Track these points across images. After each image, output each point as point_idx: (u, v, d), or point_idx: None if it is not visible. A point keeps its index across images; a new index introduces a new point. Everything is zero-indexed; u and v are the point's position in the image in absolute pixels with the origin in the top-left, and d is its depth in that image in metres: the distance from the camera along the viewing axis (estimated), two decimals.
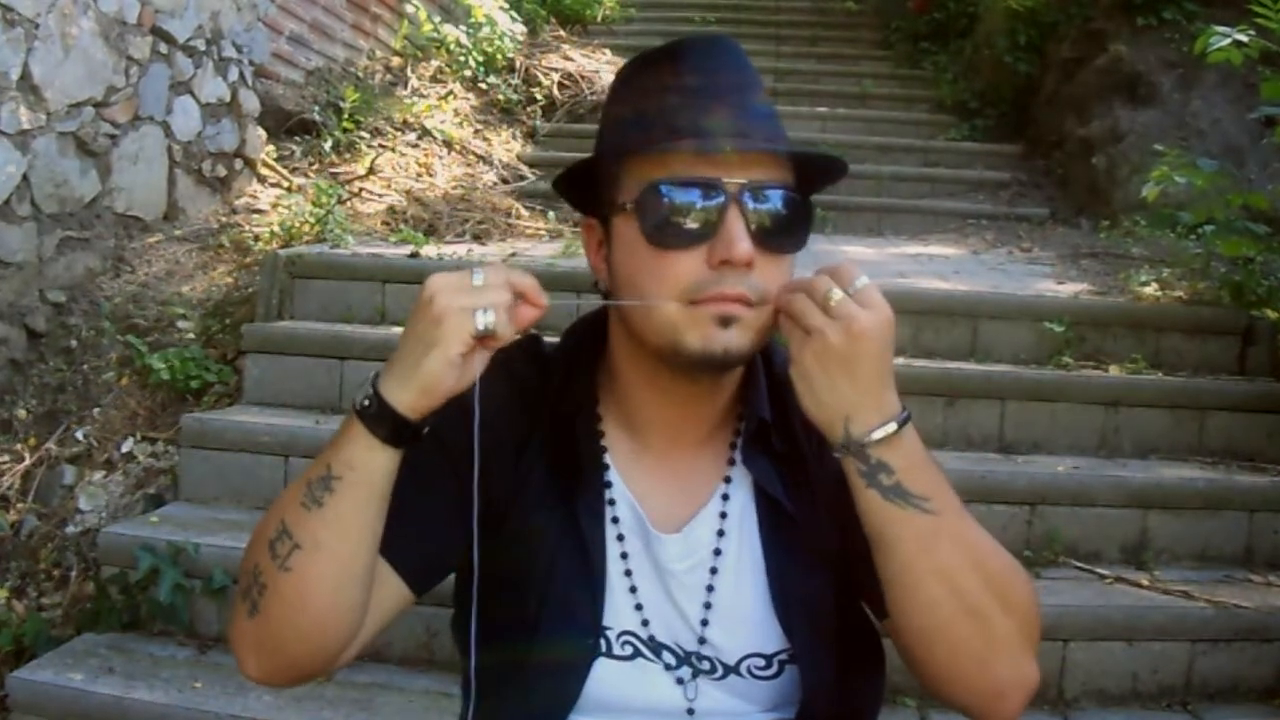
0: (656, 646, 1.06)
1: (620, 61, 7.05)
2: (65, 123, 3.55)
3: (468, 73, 6.41)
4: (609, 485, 1.07)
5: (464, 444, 1.00)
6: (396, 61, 6.18)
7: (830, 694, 1.06)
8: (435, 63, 6.34)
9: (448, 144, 5.68)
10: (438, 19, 6.43)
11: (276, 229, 4.09)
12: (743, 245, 0.94)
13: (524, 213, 5.03)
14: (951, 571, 0.94)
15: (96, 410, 3.33)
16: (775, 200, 0.98)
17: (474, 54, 6.47)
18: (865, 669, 1.12)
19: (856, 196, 5.45)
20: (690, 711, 1.06)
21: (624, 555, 1.06)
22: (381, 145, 5.33)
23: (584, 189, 1.08)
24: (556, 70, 6.77)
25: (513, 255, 4.03)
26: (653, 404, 1.07)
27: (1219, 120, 5.15)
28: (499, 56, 6.62)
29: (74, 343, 3.56)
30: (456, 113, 6.04)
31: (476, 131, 6.04)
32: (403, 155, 5.37)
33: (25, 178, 3.40)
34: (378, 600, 1.00)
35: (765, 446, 1.08)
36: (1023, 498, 2.92)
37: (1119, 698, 2.61)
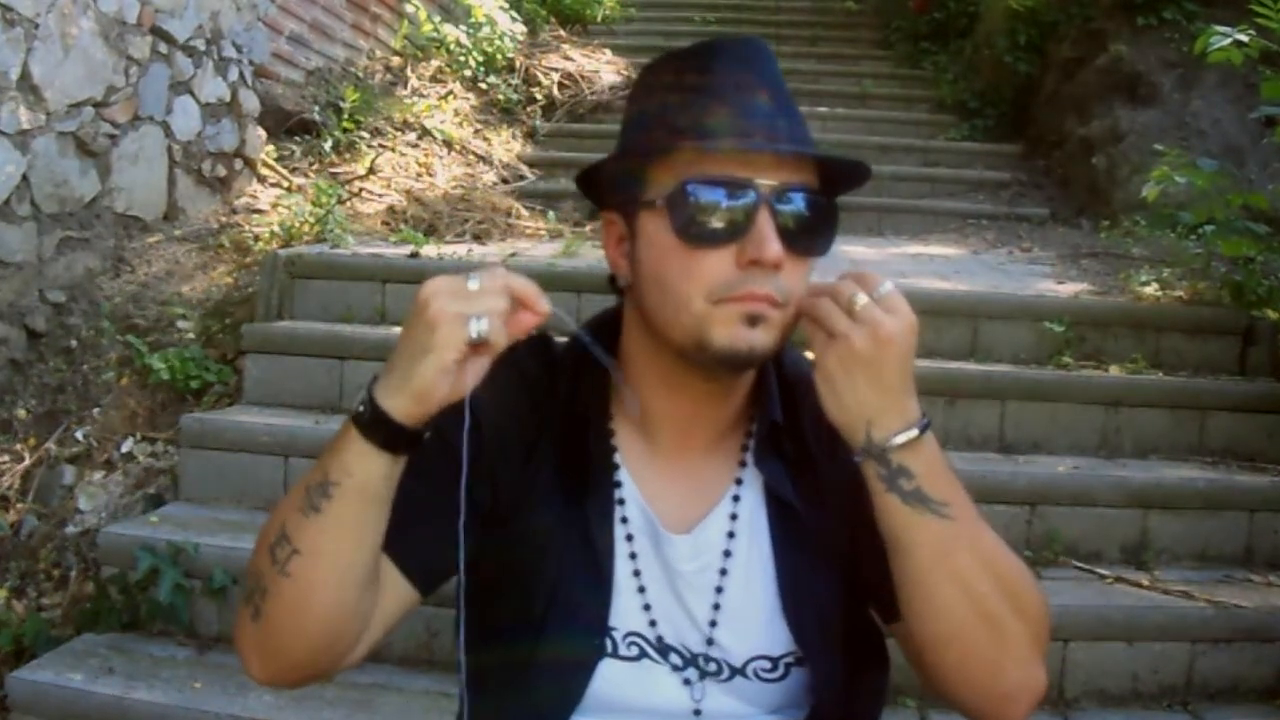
0: (664, 648, 1.05)
1: (620, 61, 7.07)
2: (65, 123, 3.55)
3: (468, 73, 6.41)
4: (619, 485, 1.07)
5: (474, 454, 1.00)
6: (396, 61, 6.18)
7: (839, 695, 1.06)
8: (435, 63, 6.34)
9: (448, 144, 5.68)
10: (438, 19, 6.43)
11: (276, 229, 4.09)
12: (773, 246, 0.95)
13: (524, 213, 5.03)
14: (967, 577, 0.95)
15: (96, 410, 3.33)
16: (803, 203, 0.98)
17: (474, 54, 6.47)
18: (870, 671, 1.12)
19: (856, 196, 5.30)
20: (697, 713, 1.06)
21: (633, 555, 1.06)
22: (381, 145, 5.33)
23: (604, 185, 1.07)
24: (556, 70, 6.77)
25: (513, 255, 4.03)
26: (666, 403, 1.07)
27: (1219, 120, 5.15)
28: (499, 56, 6.62)
29: (74, 343, 3.56)
30: (456, 113, 6.04)
31: (476, 131, 6.04)
32: (403, 155, 5.37)
33: (25, 178, 3.40)
34: (383, 601, 1.00)
35: (776, 449, 1.08)
36: (1023, 498, 2.92)
37: (1119, 698, 2.61)
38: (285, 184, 4.74)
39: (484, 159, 5.80)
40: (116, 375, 3.43)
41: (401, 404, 0.90)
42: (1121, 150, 5.33)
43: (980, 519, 0.98)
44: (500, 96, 6.47)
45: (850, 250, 4.58)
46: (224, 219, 4.35)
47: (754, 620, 1.06)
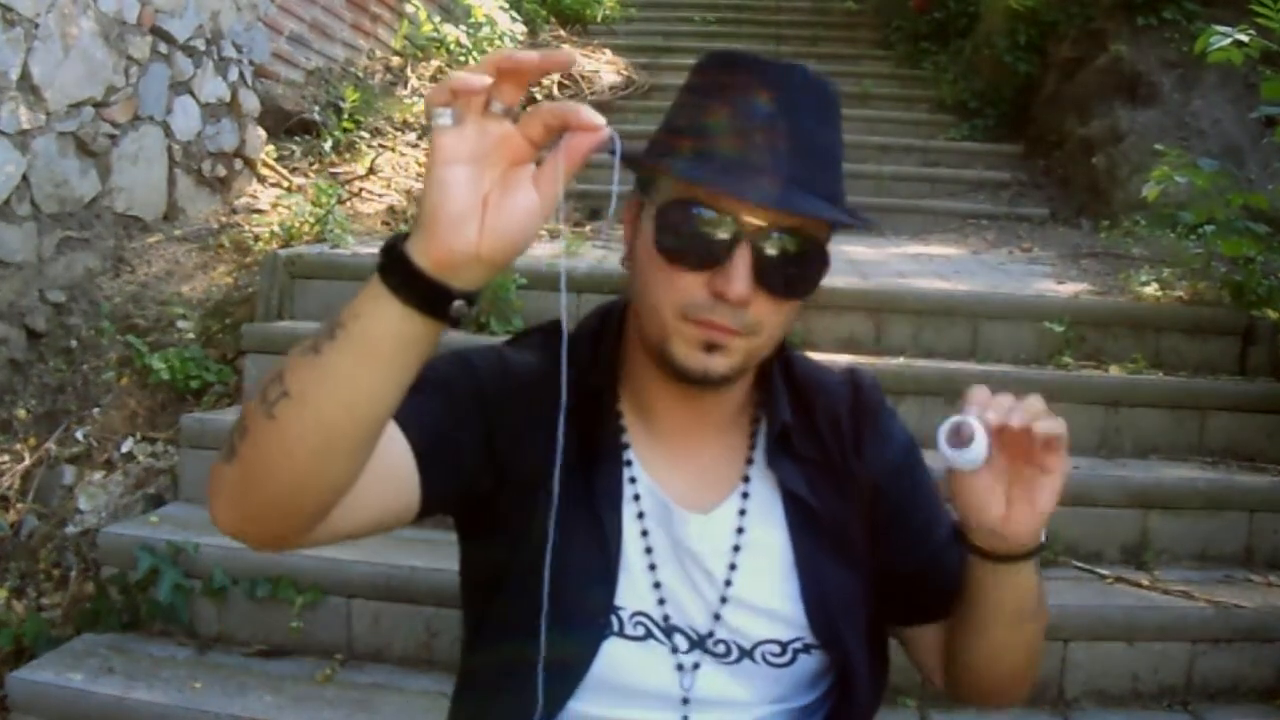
0: (670, 629, 1.06)
1: (620, 61, 7.08)
2: (65, 123, 3.55)
3: None
4: (629, 464, 1.08)
5: (498, 398, 1.03)
6: (396, 61, 6.18)
7: (864, 684, 1.10)
8: (435, 62, 6.34)
9: None
10: (438, 19, 6.43)
11: (276, 229, 4.09)
12: (739, 286, 0.95)
13: None
14: (1028, 628, 1.10)
15: (96, 410, 3.33)
16: (792, 245, 0.98)
17: (474, 54, 6.47)
18: (881, 667, 1.15)
19: (856, 196, 5.40)
20: (685, 701, 1.06)
21: (644, 533, 1.07)
22: (381, 145, 5.33)
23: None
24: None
25: None
26: (662, 394, 1.08)
27: (1219, 120, 5.16)
28: None
29: (74, 343, 3.56)
30: None
31: None
32: (403, 155, 5.37)
33: (25, 178, 3.40)
34: (383, 480, 0.93)
35: (788, 449, 1.10)
36: None
37: (1119, 698, 2.61)
38: (285, 184, 4.74)
39: None
40: (116, 375, 3.43)
41: (417, 239, 0.77)
42: (1121, 150, 5.34)
43: None
44: None
45: (850, 250, 4.58)
46: (224, 219, 4.35)
47: (765, 603, 1.08)
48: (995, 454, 0.97)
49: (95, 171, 3.74)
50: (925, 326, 3.56)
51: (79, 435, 3.26)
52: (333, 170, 4.98)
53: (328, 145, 5.10)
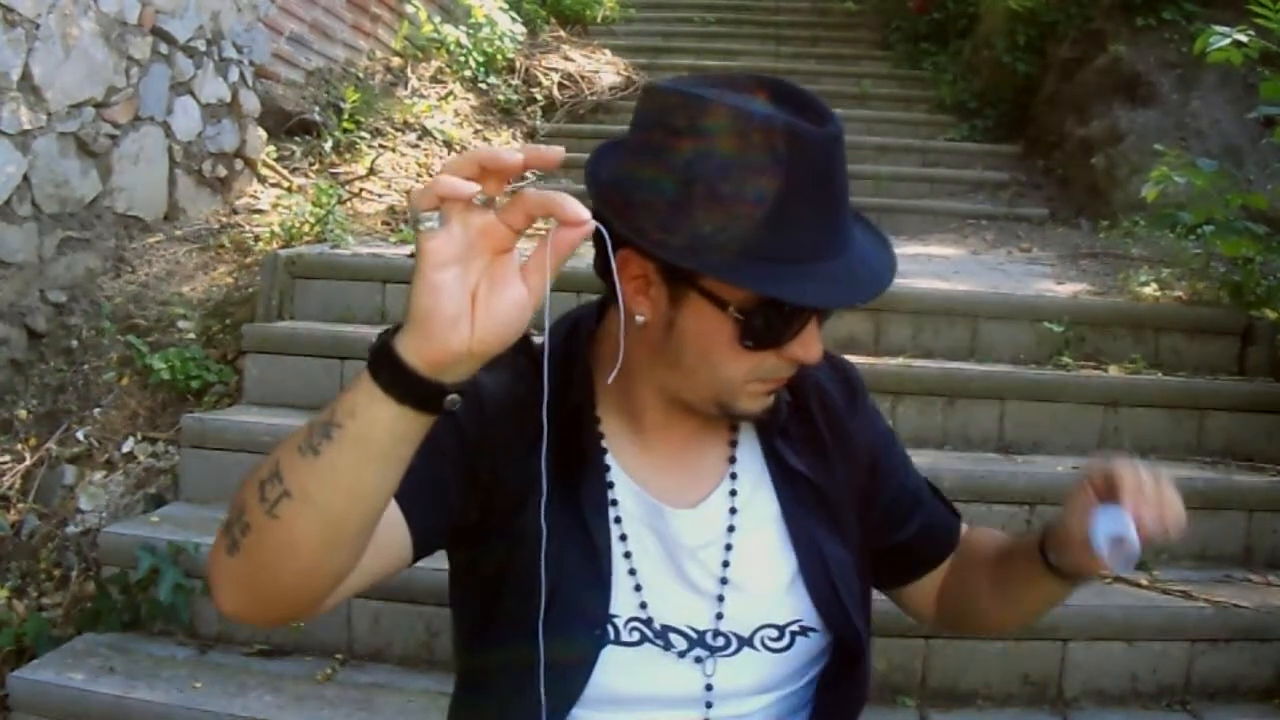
0: (662, 630, 1.06)
1: (620, 62, 7.07)
2: (66, 123, 3.55)
3: (468, 73, 6.42)
4: (608, 469, 1.09)
5: (478, 435, 1.01)
6: (396, 62, 6.18)
7: (867, 659, 1.13)
8: (435, 63, 6.34)
9: (448, 144, 5.68)
10: (438, 19, 6.43)
11: (277, 229, 4.09)
12: (818, 353, 1.02)
13: None
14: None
15: (97, 410, 3.34)
16: None
17: (474, 54, 6.47)
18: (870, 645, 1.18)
19: (856, 197, 5.40)
20: (694, 700, 1.07)
21: (623, 538, 1.07)
22: (382, 145, 5.33)
23: (628, 221, 0.97)
24: (556, 70, 6.78)
25: None
26: (647, 404, 1.10)
27: (1218, 120, 5.16)
28: (499, 57, 6.62)
29: (74, 343, 3.56)
30: (456, 113, 6.04)
31: (476, 132, 6.05)
32: (403, 155, 5.37)
33: (26, 178, 3.41)
34: (379, 550, 0.94)
35: (782, 430, 1.13)
36: (1022, 497, 2.92)
37: (1118, 697, 2.62)
38: (286, 184, 4.74)
39: None
40: (117, 375, 3.44)
41: (409, 340, 0.77)
42: (1121, 150, 5.34)
43: None
44: (500, 97, 6.48)
45: None
46: (224, 219, 4.36)
47: (762, 590, 1.09)
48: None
49: (96, 172, 3.75)
50: (924, 327, 3.56)
51: (80, 435, 3.27)
52: (333, 170, 4.99)
53: (328, 146, 5.11)
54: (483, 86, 6.47)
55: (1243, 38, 3.16)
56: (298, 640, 2.64)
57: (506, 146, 0.78)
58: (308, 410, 3.22)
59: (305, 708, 2.40)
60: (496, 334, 0.78)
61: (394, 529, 0.98)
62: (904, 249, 4.93)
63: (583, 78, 6.74)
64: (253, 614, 0.93)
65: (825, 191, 0.97)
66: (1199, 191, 3.68)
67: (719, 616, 1.07)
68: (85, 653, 2.58)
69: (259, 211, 4.45)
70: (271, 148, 4.84)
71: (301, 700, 2.43)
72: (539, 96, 6.60)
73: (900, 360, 3.40)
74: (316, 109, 5.16)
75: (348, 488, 0.82)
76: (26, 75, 3.36)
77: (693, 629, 1.07)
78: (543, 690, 0.98)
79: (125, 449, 3.23)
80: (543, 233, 0.80)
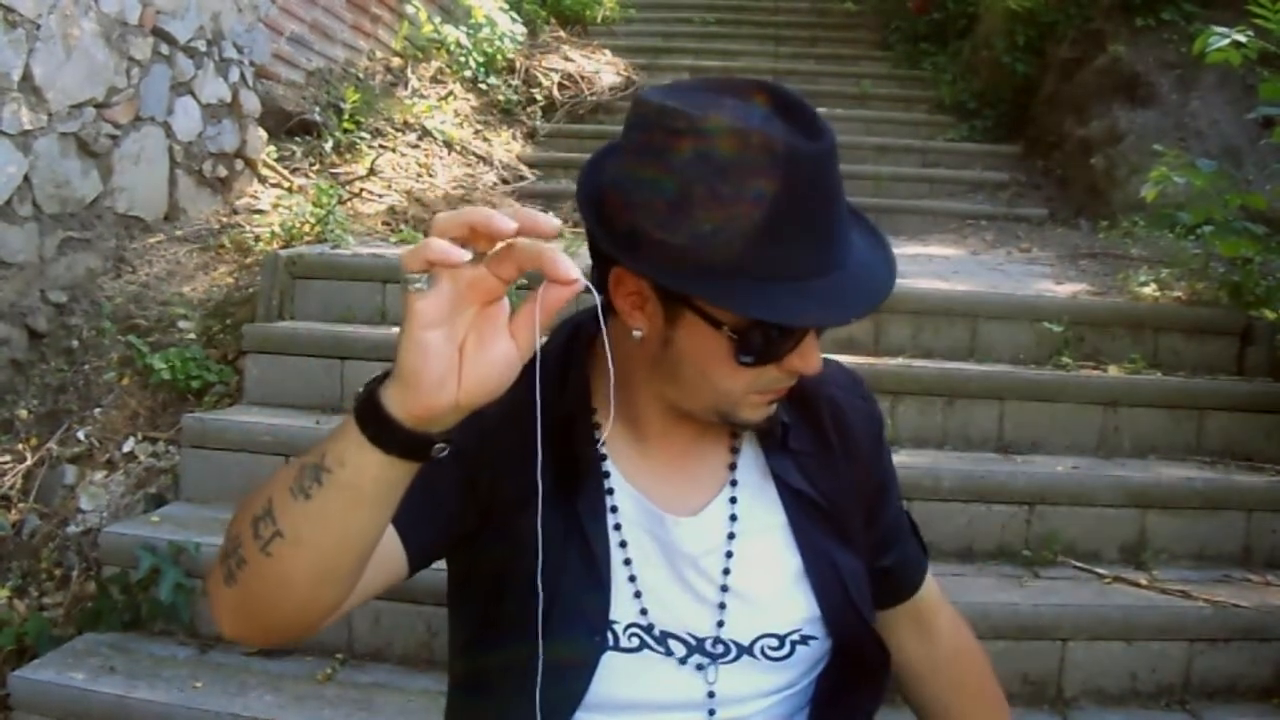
0: (661, 636, 1.06)
1: (620, 62, 7.07)
2: (66, 123, 3.56)
3: (468, 73, 6.42)
4: (607, 475, 1.09)
5: (477, 445, 1.00)
6: (397, 62, 6.18)
7: (884, 663, 1.14)
8: (435, 63, 6.35)
9: (448, 144, 5.69)
10: (438, 19, 6.43)
11: (277, 229, 4.09)
12: (816, 364, 1.02)
13: None
14: None
15: (98, 410, 3.34)
16: None
17: (474, 55, 6.48)
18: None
19: (855, 197, 5.40)
20: (693, 705, 1.07)
21: (623, 544, 1.07)
22: (382, 146, 5.33)
23: (622, 242, 0.96)
24: (556, 71, 6.78)
25: None
26: (646, 411, 1.09)
27: (1217, 121, 5.16)
28: (499, 57, 6.63)
29: (75, 343, 3.57)
30: (456, 113, 6.04)
31: (477, 132, 6.05)
32: (403, 156, 5.38)
33: (27, 178, 3.41)
34: (375, 569, 0.95)
35: (783, 444, 1.12)
36: (1022, 497, 2.92)
37: (1118, 697, 2.62)
38: (286, 184, 4.74)
39: (484, 160, 5.81)
40: (118, 375, 3.44)
41: (396, 394, 0.79)
42: (1120, 151, 5.34)
43: None
44: (500, 97, 6.48)
45: None
46: (225, 219, 4.36)
47: (762, 598, 1.09)
48: None
49: (96, 172, 3.75)
50: (924, 327, 3.57)
51: (80, 435, 3.27)
52: (333, 171, 4.99)
53: (328, 146, 5.11)
54: (483, 87, 6.47)
55: (1242, 38, 3.16)
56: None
57: (500, 211, 0.76)
58: (308, 410, 3.24)
59: (305, 707, 2.40)
60: (483, 389, 0.79)
61: (390, 547, 0.99)
62: (904, 249, 4.93)
63: (583, 78, 6.74)
64: (253, 638, 0.96)
65: (819, 208, 0.94)
66: (1198, 192, 3.68)
67: (720, 624, 1.07)
68: (86, 652, 2.58)
69: (259, 211, 4.45)
70: (272, 148, 4.85)
71: (302, 700, 2.43)
72: (539, 97, 6.61)
73: (900, 360, 3.41)
74: (317, 109, 5.16)
75: (339, 530, 0.85)
76: (27, 75, 3.36)
77: (692, 636, 1.07)
78: (538, 693, 0.99)
79: (126, 449, 3.23)
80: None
